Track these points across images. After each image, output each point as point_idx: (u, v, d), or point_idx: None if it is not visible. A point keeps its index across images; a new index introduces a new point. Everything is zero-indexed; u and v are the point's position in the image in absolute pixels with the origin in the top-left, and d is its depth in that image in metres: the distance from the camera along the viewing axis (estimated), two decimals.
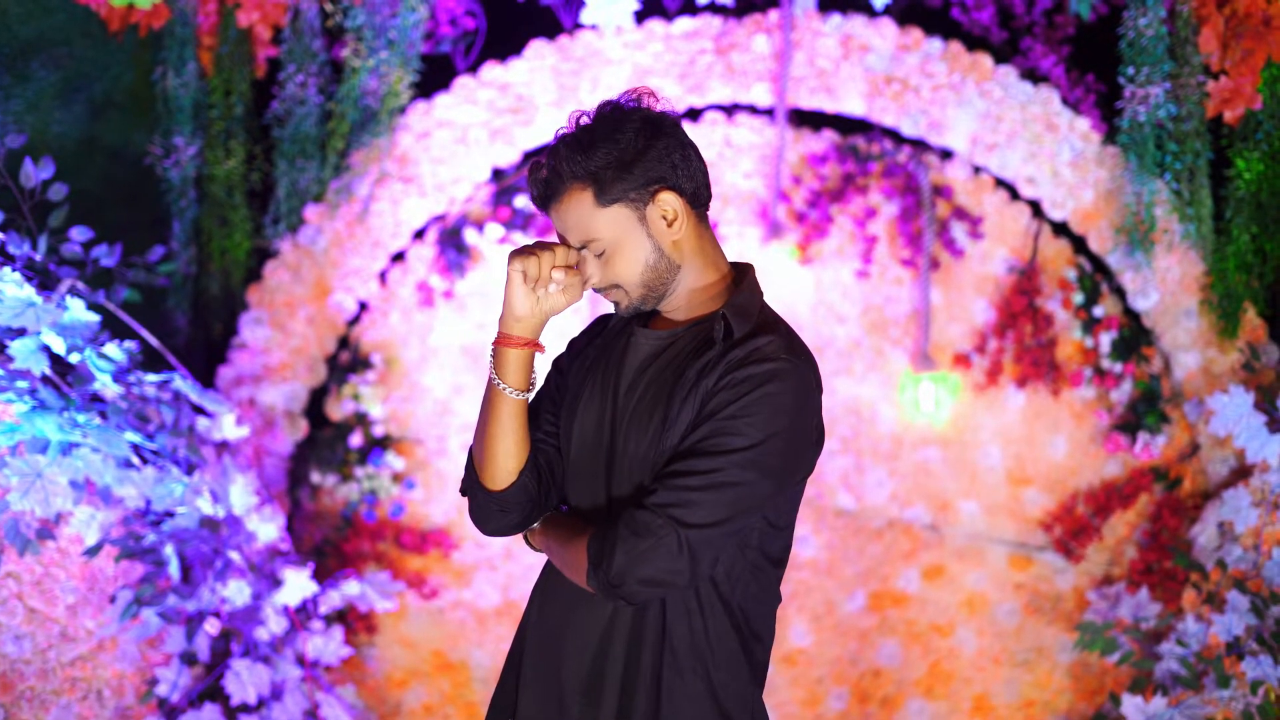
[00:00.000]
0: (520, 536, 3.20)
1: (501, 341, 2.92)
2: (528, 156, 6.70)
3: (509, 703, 3.09)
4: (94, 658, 5.03)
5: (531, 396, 3.00)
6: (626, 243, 2.91)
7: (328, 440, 6.64)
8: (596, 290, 2.96)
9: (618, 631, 2.90)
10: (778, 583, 3.02)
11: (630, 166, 2.88)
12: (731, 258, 3.31)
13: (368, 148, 6.38)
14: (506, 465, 2.99)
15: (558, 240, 2.91)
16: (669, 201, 2.92)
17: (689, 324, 2.99)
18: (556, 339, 3.28)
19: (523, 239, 6.66)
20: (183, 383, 5.27)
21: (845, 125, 6.71)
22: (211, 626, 5.13)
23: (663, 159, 2.91)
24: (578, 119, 2.92)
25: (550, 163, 2.91)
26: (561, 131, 2.94)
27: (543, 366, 3.11)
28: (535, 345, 2.93)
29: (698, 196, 2.97)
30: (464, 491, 3.13)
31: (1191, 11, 5.87)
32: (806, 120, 6.73)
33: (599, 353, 3.13)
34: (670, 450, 2.83)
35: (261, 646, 5.32)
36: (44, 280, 5.07)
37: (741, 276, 3.04)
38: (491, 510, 3.05)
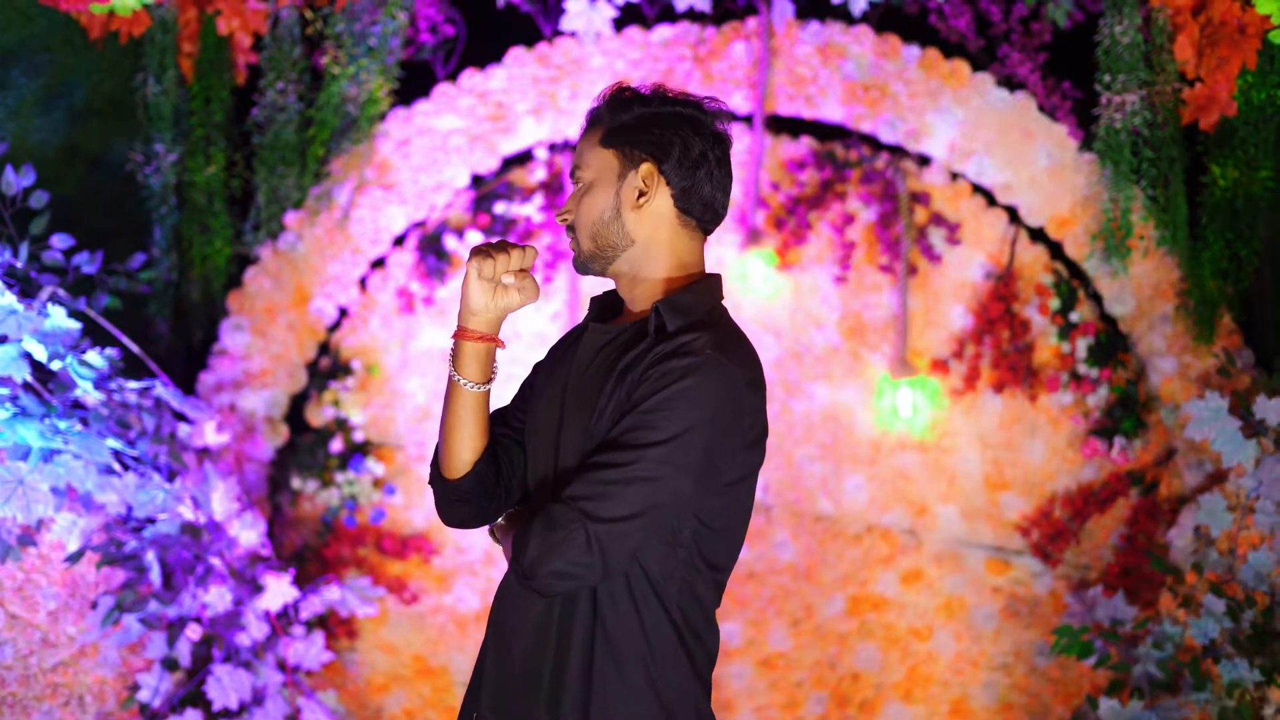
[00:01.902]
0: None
1: (459, 335, 2.96)
2: (507, 163, 6.72)
3: (475, 695, 3.11)
4: (76, 663, 5.03)
5: (489, 389, 3.02)
6: (599, 187, 2.98)
7: (308, 446, 6.65)
8: (567, 233, 3.06)
9: (551, 624, 2.90)
10: (717, 587, 3.00)
11: (642, 129, 2.97)
12: (710, 264, 3.32)
13: (348, 155, 6.39)
14: (463, 455, 3.03)
15: (518, 243, 2.94)
16: (649, 177, 2.96)
17: (636, 318, 3.01)
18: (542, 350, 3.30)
19: None
20: (164, 389, 5.28)
21: (823, 132, 6.74)
22: (193, 632, 5.13)
23: (673, 144, 2.96)
24: (652, 88, 3.03)
25: (598, 105, 3.03)
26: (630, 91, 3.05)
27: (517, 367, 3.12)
28: (492, 339, 2.96)
29: (688, 198, 2.99)
30: (430, 482, 3.17)
31: (1167, 19, 5.91)
32: (785, 127, 6.76)
33: (563, 351, 3.17)
34: (598, 440, 2.84)
35: (243, 652, 5.33)
36: (25, 287, 5.08)
37: (700, 280, 3.05)
38: (449, 499, 3.09)
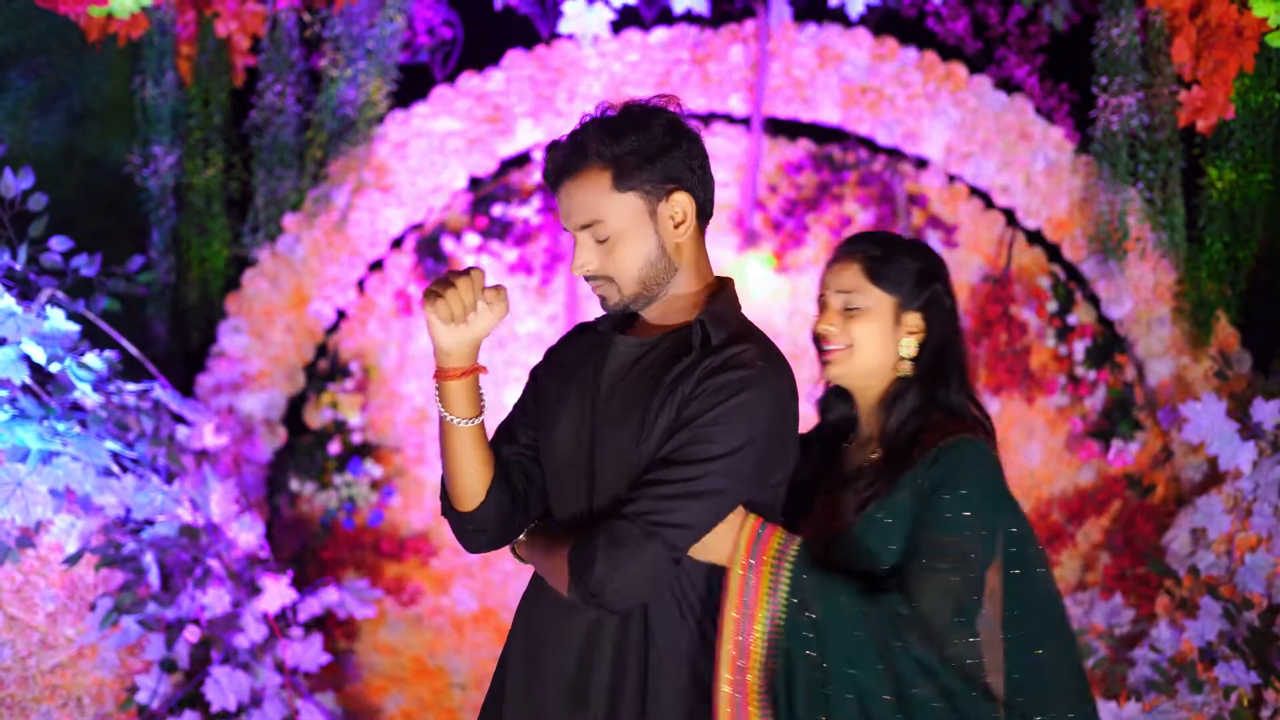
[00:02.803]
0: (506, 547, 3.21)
1: (440, 375, 2.90)
2: (505, 165, 6.72)
3: (496, 711, 3.09)
4: (74, 665, 5.03)
5: (483, 418, 2.97)
6: (632, 234, 2.91)
7: (306, 448, 6.65)
8: (588, 279, 2.96)
9: (605, 637, 2.89)
10: None
11: (654, 159, 2.90)
12: None
13: (346, 157, 6.39)
14: (473, 489, 3.00)
15: (462, 270, 2.83)
16: (682, 202, 2.94)
17: (667, 331, 2.99)
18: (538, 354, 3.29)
19: (500, 248, 6.68)
20: (162, 391, 5.28)
21: (821, 134, 6.74)
22: (191, 634, 5.13)
23: (684, 161, 2.95)
24: (604, 109, 2.94)
25: (577, 138, 2.91)
26: (587, 117, 2.94)
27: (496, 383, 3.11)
28: (474, 370, 2.91)
29: (705, 208, 3.01)
30: (443, 515, 3.14)
31: (1164, 22, 5.91)
32: (782, 129, 6.76)
33: (577, 361, 3.11)
34: (647, 457, 2.83)
35: (241, 654, 5.33)
36: (24, 290, 5.08)
37: (721, 287, 3.05)
38: (467, 530, 3.07)
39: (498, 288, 2.85)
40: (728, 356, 2.84)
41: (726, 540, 2.86)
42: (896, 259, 3.18)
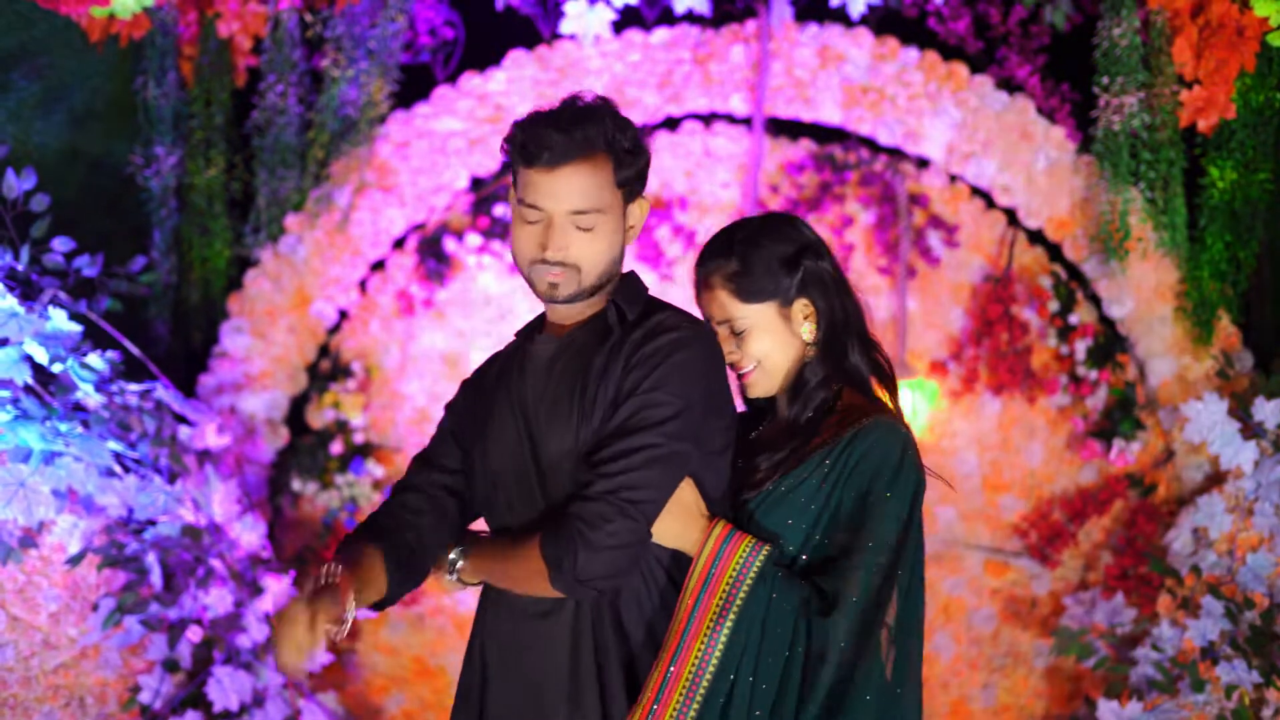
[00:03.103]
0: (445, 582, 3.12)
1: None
2: (506, 166, 6.71)
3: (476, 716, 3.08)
4: (77, 665, 5.04)
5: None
6: (613, 228, 2.92)
7: (308, 448, 6.66)
8: (545, 263, 2.88)
9: (584, 627, 2.88)
10: None
11: (636, 159, 2.93)
12: None
13: (347, 157, 6.40)
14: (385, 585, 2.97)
15: (298, 612, 2.59)
16: (644, 208, 3.01)
17: (581, 323, 3.00)
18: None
19: (501, 248, 6.69)
20: (164, 392, 5.29)
21: (822, 134, 6.75)
22: (194, 634, 5.14)
23: (646, 167, 2.98)
24: (593, 97, 2.92)
25: (582, 121, 2.87)
26: (581, 101, 2.92)
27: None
28: (343, 599, 2.71)
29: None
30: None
31: (1165, 22, 5.92)
32: (784, 129, 6.77)
33: (497, 377, 3.12)
34: (592, 438, 2.82)
35: (243, 653, 5.34)
36: (26, 290, 5.08)
37: (625, 280, 3.07)
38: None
39: (341, 620, 2.68)
40: (653, 325, 2.87)
41: (692, 529, 2.90)
42: (753, 264, 3.12)
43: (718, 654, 2.84)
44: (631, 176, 2.92)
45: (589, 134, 2.86)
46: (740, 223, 3.26)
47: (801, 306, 3.14)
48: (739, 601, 2.85)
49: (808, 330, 3.14)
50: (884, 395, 3.21)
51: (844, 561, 2.98)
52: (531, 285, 2.96)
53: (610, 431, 2.79)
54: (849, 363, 3.16)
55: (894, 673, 3.00)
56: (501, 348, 3.23)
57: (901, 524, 3.08)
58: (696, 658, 2.84)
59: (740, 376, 3.18)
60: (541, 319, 3.14)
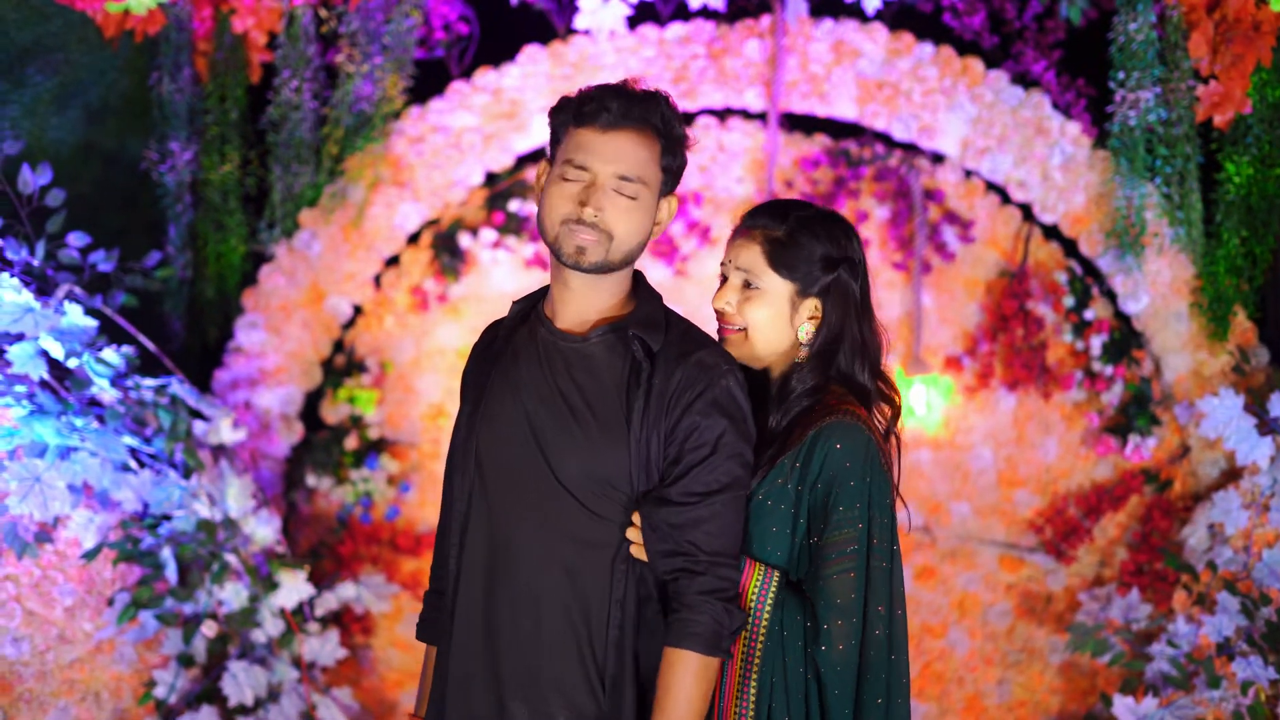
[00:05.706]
0: None
1: None
2: (521, 161, 6.72)
3: (465, 694, 3.10)
4: (92, 660, 5.05)
5: None
6: (645, 204, 2.97)
7: (323, 443, 6.66)
8: (579, 224, 2.92)
9: (595, 639, 2.96)
10: None
11: (680, 152, 3.04)
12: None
13: (362, 152, 6.40)
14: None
15: None
16: (673, 208, 3.07)
17: (597, 330, 3.02)
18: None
19: (516, 243, 6.69)
20: (179, 387, 5.30)
21: (837, 129, 6.73)
22: (209, 629, 5.15)
23: (683, 168, 3.08)
24: (636, 80, 3.01)
25: (648, 95, 2.97)
26: (645, 81, 3.02)
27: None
28: None
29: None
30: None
31: (1181, 16, 5.90)
32: (799, 124, 6.75)
33: (495, 358, 3.15)
34: (645, 483, 2.93)
35: (258, 648, 5.35)
36: (42, 285, 5.10)
37: (637, 283, 3.11)
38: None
39: None
40: (696, 368, 2.94)
41: None
42: (799, 242, 3.16)
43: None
44: (673, 165, 3.00)
45: (648, 109, 2.94)
46: (803, 202, 3.31)
47: (812, 306, 3.15)
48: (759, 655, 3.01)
49: (805, 331, 3.16)
50: (880, 417, 3.21)
51: (818, 573, 3.02)
52: (557, 249, 2.97)
53: (693, 503, 2.89)
54: (845, 370, 3.18)
55: (891, 645, 3.00)
56: (503, 316, 3.25)
57: (866, 520, 3.03)
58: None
59: (721, 328, 3.21)
60: (543, 296, 3.16)
